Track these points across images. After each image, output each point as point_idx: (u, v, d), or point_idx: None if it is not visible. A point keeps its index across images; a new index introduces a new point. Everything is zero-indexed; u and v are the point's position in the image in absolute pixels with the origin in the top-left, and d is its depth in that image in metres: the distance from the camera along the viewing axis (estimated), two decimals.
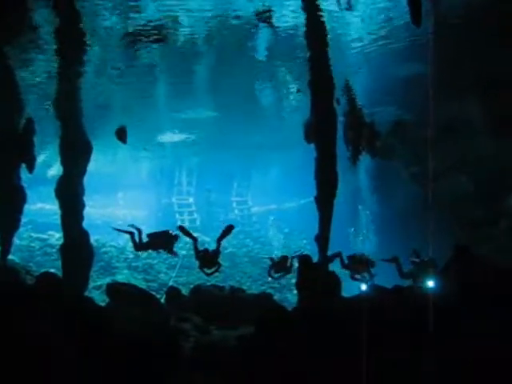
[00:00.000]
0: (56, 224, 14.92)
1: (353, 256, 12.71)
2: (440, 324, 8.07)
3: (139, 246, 13.71)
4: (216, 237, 13.28)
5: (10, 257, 15.66)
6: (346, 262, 12.65)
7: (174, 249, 13.52)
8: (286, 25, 13.17)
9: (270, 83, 17.75)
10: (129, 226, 14.14)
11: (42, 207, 29.61)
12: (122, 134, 16.15)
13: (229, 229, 13.17)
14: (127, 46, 14.49)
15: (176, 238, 13.45)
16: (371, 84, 16.58)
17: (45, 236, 27.35)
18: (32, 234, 27.66)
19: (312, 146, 13.48)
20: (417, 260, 12.26)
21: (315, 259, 12.56)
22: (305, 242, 29.77)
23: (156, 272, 25.25)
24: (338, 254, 12.92)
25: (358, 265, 12.41)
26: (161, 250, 13.70)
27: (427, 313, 8.58)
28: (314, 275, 11.02)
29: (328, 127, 12.74)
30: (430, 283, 9.15)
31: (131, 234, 13.68)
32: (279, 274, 14.89)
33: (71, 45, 14.00)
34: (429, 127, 17.50)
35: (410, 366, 8.11)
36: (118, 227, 14.37)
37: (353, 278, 12.58)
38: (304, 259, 11.59)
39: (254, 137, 25.68)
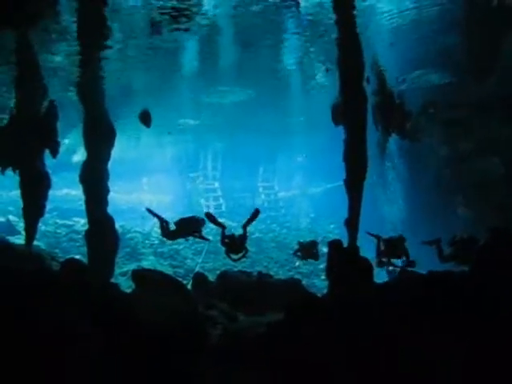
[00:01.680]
0: (81, 210, 14.83)
1: (389, 239, 12.35)
2: (480, 309, 7.70)
3: (169, 235, 13.54)
4: (242, 222, 13.06)
5: (36, 243, 15.67)
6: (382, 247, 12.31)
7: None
8: (312, 1, 12.71)
9: (297, 64, 17.35)
10: (146, 209, 13.98)
11: (67, 193, 29.86)
12: (145, 118, 15.93)
13: (256, 213, 12.88)
14: (151, 28, 14.20)
15: (203, 222, 13.24)
16: (401, 60, 16.10)
17: (70, 222, 27.56)
18: (58, 221, 27.94)
19: (338, 128, 13.14)
20: (457, 239, 11.88)
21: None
22: (332, 226, 29.65)
23: (182, 258, 25.25)
24: (378, 237, 12.60)
25: (395, 249, 12.04)
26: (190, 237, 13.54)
27: (463, 298, 8.23)
28: (344, 260, 10.68)
29: (357, 108, 12.31)
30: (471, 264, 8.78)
31: (162, 220, 13.48)
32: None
33: (94, 27, 13.75)
34: (461, 107, 17.23)
35: (442, 353, 7.75)
36: (149, 212, 14.10)
37: (389, 264, 12.22)
38: (334, 244, 11.25)
39: (279, 120, 25.42)
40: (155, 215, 13.75)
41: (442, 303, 8.41)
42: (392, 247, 12.12)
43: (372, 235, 12.88)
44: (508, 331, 7.51)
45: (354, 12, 12.29)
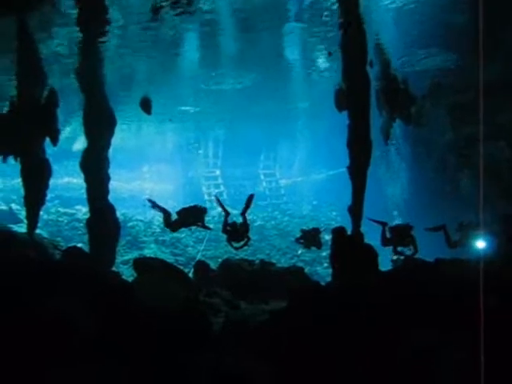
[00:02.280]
0: (83, 198, 14.70)
1: (395, 227, 12.16)
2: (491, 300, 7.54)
3: (172, 225, 13.44)
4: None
5: (39, 231, 15.58)
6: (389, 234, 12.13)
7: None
8: None
9: (299, 50, 17.14)
10: (148, 201, 13.93)
11: (69, 181, 29.76)
12: (146, 105, 15.74)
13: (250, 199, 12.81)
14: (152, 15, 14.00)
15: (205, 211, 13.14)
16: (406, 42, 15.92)
17: (72, 210, 27.48)
18: (60, 209, 27.85)
19: (340, 114, 12.96)
20: (464, 224, 11.73)
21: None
22: (335, 213, 29.52)
23: (183, 246, 25.17)
24: (384, 224, 12.41)
25: (402, 237, 11.84)
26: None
27: (473, 288, 8.08)
28: (348, 248, 10.56)
29: (361, 92, 12.10)
30: (480, 246, 8.62)
31: (165, 211, 13.37)
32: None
33: (94, 14, 13.57)
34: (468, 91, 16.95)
35: (447, 346, 7.63)
36: (151, 203, 14.02)
37: (396, 252, 12.04)
38: (338, 231, 11.11)
39: (281, 107, 25.22)
40: (158, 207, 13.68)
41: (449, 292, 8.29)
42: (399, 235, 11.92)
43: (376, 222, 12.71)
44: None
45: None
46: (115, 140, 14.81)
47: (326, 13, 13.90)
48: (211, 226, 14.55)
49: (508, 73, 16.10)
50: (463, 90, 17.29)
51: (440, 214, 16.51)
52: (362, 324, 8.20)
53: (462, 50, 16.16)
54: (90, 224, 13.70)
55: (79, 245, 15.98)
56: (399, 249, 11.99)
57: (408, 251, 11.81)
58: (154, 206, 13.82)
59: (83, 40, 14.83)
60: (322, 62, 18.32)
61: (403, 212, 21.86)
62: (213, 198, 31.56)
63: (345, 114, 12.58)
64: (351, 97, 12.31)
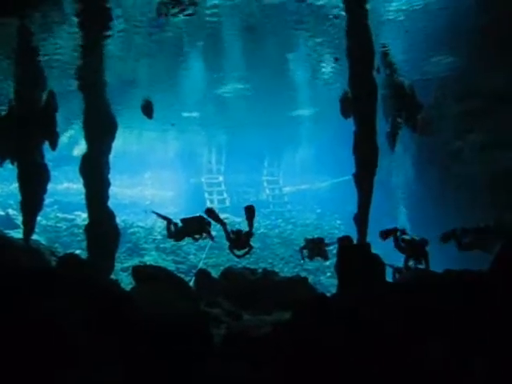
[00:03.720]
0: (83, 204, 14.49)
1: (410, 240, 11.77)
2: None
3: (175, 235, 13.18)
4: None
5: (37, 237, 15.34)
6: (401, 243, 11.75)
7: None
8: None
9: (304, 55, 16.91)
10: (153, 212, 13.78)
11: (68, 187, 29.58)
12: (147, 109, 15.57)
13: (249, 210, 12.29)
14: (154, 18, 13.81)
15: (210, 224, 12.80)
16: (412, 48, 15.64)
17: (71, 216, 27.21)
18: (58, 215, 27.59)
19: (346, 121, 12.77)
20: (480, 226, 11.41)
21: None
22: (339, 222, 29.27)
23: (185, 253, 24.84)
24: (394, 231, 11.98)
25: (416, 252, 11.45)
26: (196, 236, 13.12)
27: (484, 300, 7.77)
28: (355, 258, 10.23)
29: (368, 99, 11.86)
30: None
31: (169, 220, 13.12)
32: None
33: (95, 16, 13.35)
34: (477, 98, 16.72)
35: (461, 358, 7.31)
36: (156, 214, 13.86)
37: (406, 267, 11.63)
38: (344, 241, 10.79)
39: (285, 113, 25.04)
40: (163, 217, 13.46)
41: (459, 305, 7.98)
42: (413, 249, 11.54)
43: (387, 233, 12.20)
44: None
45: None
46: (116, 145, 14.63)
47: (332, 18, 13.69)
48: (214, 233, 14.25)
49: None
50: (470, 96, 17.10)
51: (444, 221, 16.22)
52: (371, 337, 7.89)
53: (471, 56, 15.97)
54: (89, 230, 13.46)
55: (77, 251, 15.73)
56: (410, 263, 11.62)
57: (419, 266, 11.42)
58: (159, 216, 13.63)
59: (85, 43, 14.61)
60: (327, 68, 18.10)
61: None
62: (214, 205, 31.22)
63: (350, 120, 12.40)
64: (358, 103, 12.08)
